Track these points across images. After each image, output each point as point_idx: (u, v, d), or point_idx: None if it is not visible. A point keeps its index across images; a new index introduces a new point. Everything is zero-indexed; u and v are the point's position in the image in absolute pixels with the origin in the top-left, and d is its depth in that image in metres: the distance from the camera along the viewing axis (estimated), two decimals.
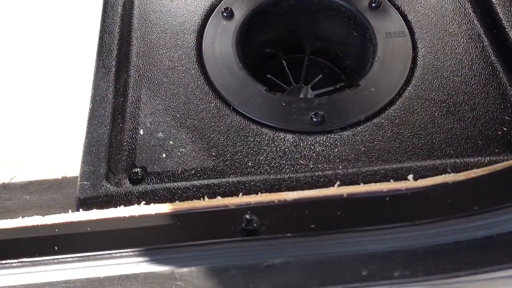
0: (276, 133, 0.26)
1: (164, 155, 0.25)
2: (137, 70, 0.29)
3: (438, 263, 0.17)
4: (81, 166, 0.24)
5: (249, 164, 0.25)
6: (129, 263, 0.17)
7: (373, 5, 0.31)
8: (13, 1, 0.37)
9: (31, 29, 0.36)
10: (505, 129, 0.25)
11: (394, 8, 0.32)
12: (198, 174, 0.24)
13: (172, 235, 0.18)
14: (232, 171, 0.24)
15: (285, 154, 0.25)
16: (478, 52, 0.29)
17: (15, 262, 0.17)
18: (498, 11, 0.29)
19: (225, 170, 0.24)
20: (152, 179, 0.24)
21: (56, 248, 0.18)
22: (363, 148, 0.25)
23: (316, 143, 0.25)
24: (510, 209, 0.16)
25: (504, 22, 0.28)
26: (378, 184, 0.20)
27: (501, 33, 0.28)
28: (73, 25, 0.36)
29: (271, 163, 0.25)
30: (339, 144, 0.25)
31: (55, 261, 0.18)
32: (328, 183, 0.21)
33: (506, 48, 0.28)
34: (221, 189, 0.22)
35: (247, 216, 0.19)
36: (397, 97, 0.27)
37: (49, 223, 0.19)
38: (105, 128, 0.25)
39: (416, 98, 0.27)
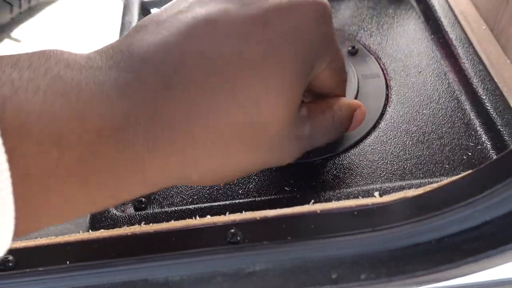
0: None
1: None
2: None
3: (398, 265, 0.20)
4: None
5: (240, 191, 0.28)
6: (129, 270, 0.20)
7: (351, 51, 0.36)
8: None
9: None
10: (470, 153, 0.28)
11: (369, 53, 0.36)
12: (194, 201, 0.27)
13: (167, 247, 0.21)
14: (223, 197, 0.27)
15: (271, 182, 0.28)
16: (444, 88, 0.32)
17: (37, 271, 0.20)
18: (459, 51, 0.32)
19: (218, 197, 0.27)
20: (154, 206, 0.27)
21: (68, 262, 0.21)
22: (341, 175, 0.28)
23: (299, 172, 0.28)
24: (456, 210, 0.19)
25: (465, 62, 0.32)
26: (348, 201, 0.23)
27: (462, 70, 0.32)
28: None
29: (259, 190, 0.28)
30: (320, 172, 0.28)
31: (66, 270, 0.21)
32: (305, 203, 0.24)
33: (468, 83, 0.31)
34: (212, 211, 0.25)
35: (232, 231, 0.22)
36: (372, 129, 0.30)
37: (62, 241, 0.22)
38: None
39: (389, 130, 0.30)
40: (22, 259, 0.22)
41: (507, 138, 0.27)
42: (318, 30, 0.21)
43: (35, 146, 0.15)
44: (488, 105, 0.29)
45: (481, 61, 0.31)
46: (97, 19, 0.43)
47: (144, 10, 0.41)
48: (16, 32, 0.44)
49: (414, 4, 0.39)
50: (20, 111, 0.15)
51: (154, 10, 0.41)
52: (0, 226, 0.14)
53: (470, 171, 0.21)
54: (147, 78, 0.18)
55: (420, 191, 0.22)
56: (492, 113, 0.28)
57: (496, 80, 0.30)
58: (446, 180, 0.22)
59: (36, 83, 0.15)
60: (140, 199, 0.27)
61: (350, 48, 0.36)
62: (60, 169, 0.15)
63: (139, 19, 0.39)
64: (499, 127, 0.28)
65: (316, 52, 0.21)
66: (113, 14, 0.42)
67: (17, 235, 0.15)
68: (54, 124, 0.15)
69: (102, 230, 0.23)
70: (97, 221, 0.26)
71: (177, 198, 0.27)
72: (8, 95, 0.15)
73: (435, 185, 0.22)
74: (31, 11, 0.45)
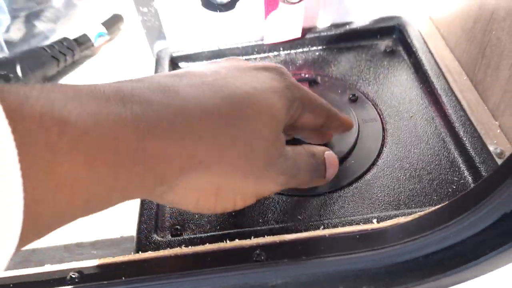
0: (282, 197, 0.34)
1: (197, 216, 0.34)
2: None
3: (393, 278, 0.25)
4: (138, 225, 0.32)
5: (261, 220, 0.33)
6: (175, 283, 0.25)
7: (351, 99, 0.42)
8: None
9: None
10: (454, 187, 0.33)
11: (368, 100, 0.42)
12: (223, 228, 0.32)
13: (204, 265, 0.26)
14: (248, 225, 0.32)
15: (287, 212, 0.33)
16: (432, 130, 0.38)
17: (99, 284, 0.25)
18: (443, 99, 0.38)
19: (242, 224, 0.32)
20: (188, 232, 0.32)
21: (123, 277, 0.26)
22: (345, 205, 0.33)
23: (310, 203, 0.33)
24: (437, 233, 0.24)
25: (448, 108, 0.37)
26: (351, 226, 0.28)
27: (447, 116, 0.37)
28: None
29: (277, 219, 0.33)
30: (328, 203, 0.33)
31: (123, 283, 0.26)
32: (315, 229, 0.29)
33: (451, 127, 0.36)
34: (239, 236, 0.30)
35: (257, 252, 0.27)
36: (371, 167, 0.36)
37: (117, 261, 0.28)
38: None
39: (386, 167, 0.35)
40: (86, 275, 0.27)
41: (484, 174, 0.32)
42: (280, 89, 0.27)
43: (35, 123, 0.16)
44: (468, 146, 0.34)
45: (462, 108, 0.37)
46: (131, 71, 0.50)
47: (174, 64, 0.47)
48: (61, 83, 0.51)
49: (405, 57, 0.45)
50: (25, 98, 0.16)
51: (182, 64, 0.47)
52: (10, 200, 0.14)
53: (447, 202, 0.26)
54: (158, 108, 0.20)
55: (410, 218, 0.27)
56: (471, 152, 0.34)
57: (475, 124, 0.36)
58: (430, 209, 0.27)
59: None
60: (176, 227, 0.32)
61: (351, 96, 0.41)
62: (63, 143, 0.16)
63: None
64: (477, 164, 0.33)
65: (284, 103, 0.26)
66: (146, 66, 0.48)
67: (27, 217, 0.15)
68: (53, 105, 0.16)
69: (149, 251, 0.28)
70: (142, 246, 0.31)
71: (208, 225, 0.32)
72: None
73: (421, 213, 0.27)
74: (74, 64, 0.52)
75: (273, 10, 0.42)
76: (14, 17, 0.50)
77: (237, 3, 0.36)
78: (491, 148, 0.34)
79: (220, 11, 0.36)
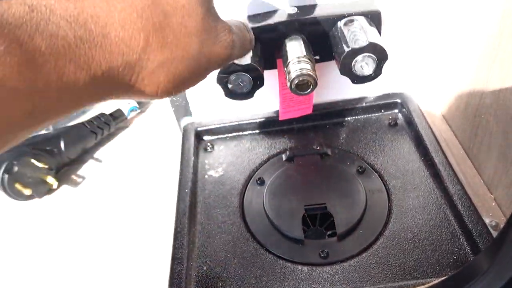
0: (296, 266, 0.38)
1: (220, 284, 0.37)
2: (201, 224, 0.43)
3: None
4: None
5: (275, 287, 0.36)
6: None
7: (359, 170, 0.46)
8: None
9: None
10: (455, 257, 0.36)
11: (374, 172, 0.46)
12: None
13: None
14: None
15: (302, 281, 0.37)
16: (433, 201, 0.41)
17: None
18: (442, 173, 0.42)
19: None
20: None
21: None
22: (356, 274, 0.36)
23: (323, 272, 0.37)
24: None
25: (446, 182, 0.41)
26: None
27: (446, 189, 0.41)
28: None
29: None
30: (339, 272, 0.37)
31: None
32: None
33: (450, 199, 0.40)
34: None
35: None
36: (378, 237, 0.39)
37: None
38: (182, 266, 0.38)
39: (392, 237, 0.39)
40: None
41: (481, 246, 0.36)
42: None
43: None
44: (466, 218, 0.38)
45: (459, 182, 0.41)
46: (160, 142, 0.55)
47: (199, 137, 0.53)
48: (98, 154, 0.57)
49: (408, 131, 0.50)
50: None
51: (206, 137, 0.53)
52: None
53: (448, 275, 0.29)
54: None
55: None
56: (469, 225, 0.37)
57: (471, 197, 0.39)
58: (430, 283, 0.30)
59: None
60: None
61: (358, 168, 0.46)
62: None
63: (194, 145, 0.51)
64: (474, 237, 0.36)
65: None
66: (173, 138, 0.54)
67: None
68: None
69: None
70: None
71: None
72: None
73: (423, 287, 0.30)
74: (109, 136, 0.58)
75: (287, 93, 0.47)
76: None
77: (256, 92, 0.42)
78: (487, 220, 0.37)
79: (240, 100, 0.42)
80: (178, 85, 0.23)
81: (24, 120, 0.17)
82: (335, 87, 0.52)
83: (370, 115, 0.53)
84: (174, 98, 0.52)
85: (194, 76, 0.24)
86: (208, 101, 0.52)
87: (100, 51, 0.18)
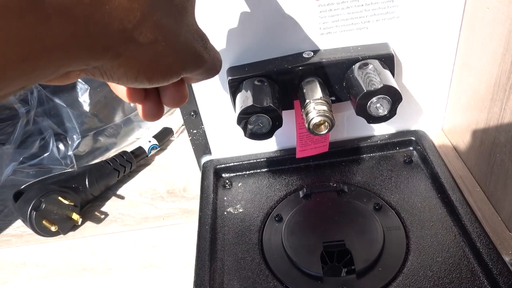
0: None
1: None
2: (221, 261, 0.44)
3: None
4: None
5: None
6: None
7: (376, 208, 0.47)
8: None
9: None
10: None
11: (391, 209, 0.46)
12: None
13: None
14: None
15: None
16: (451, 239, 0.42)
17: None
18: (459, 211, 0.43)
19: None
20: None
21: None
22: None
23: None
24: None
25: (464, 220, 0.42)
26: None
27: (464, 227, 0.41)
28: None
29: None
30: None
31: None
32: None
33: (469, 238, 0.40)
34: None
35: None
36: (397, 275, 0.39)
37: None
38: None
39: (411, 275, 0.39)
40: None
41: (501, 285, 0.36)
42: None
43: None
44: (486, 257, 0.38)
45: (477, 219, 0.41)
46: (180, 178, 0.57)
47: (217, 175, 0.54)
48: (120, 190, 0.58)
49: (423, 167, 0.51)
50: None
51: (225, 174, 0.54)
52: None
53: None
54: None
55: None
56: (488, 263, 0.37)
57: (490, 235, 0.40)
58: None
59: None
60: None
61: (375, 205, 0.46)
62: None
63: (213, 182, 0.52)
64: (495, 275, 0.36)
65: None
66: (193, 174, 0.56)
67: None
68: None
69: None
70: None
71: None
72: None
73: None
74: (131, 173, 0.60)
75: (304, 132, 0.49)
76: (83, 136, 0.60)
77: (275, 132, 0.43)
78: (506, 259, 0.38)
79: (260, 140, 0.43)
80: (159, 71, 0.23)
81: (17, 66, 0.16)
82: (350, 125, 0.54)
83: (385, 152, 0.54)
84: (194, 137, 0.54)
85: (174, 68, 0.24)
86: (227, 140, 0.54)
87: (102, 9, 0.18)
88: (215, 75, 0.29)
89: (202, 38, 0.26)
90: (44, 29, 0.16)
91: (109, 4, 0.19)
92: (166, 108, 0.31)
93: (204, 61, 0.26)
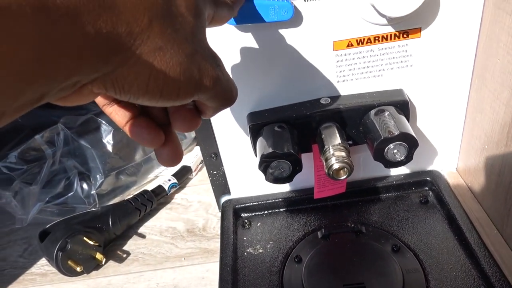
0: None
1: None
2: None
3: None
4: None
5: None
6: None
7: (394, 249, 0.47)
8: None
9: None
10: None
11: (409, 250, 0.47)
12: None
13: None
14: None
15: None
16: (471, 282, 0.42)
17: None
18: (477, 254, 0.43)
19: None
20: None
21: None
22: None
23: None
24: None
25: (483, 263, 0.42)
26: None
27: (483, 270, 0.42)
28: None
29: None
30: None
31: None
32: None
33: (489, 282, 0.41)
34: None
35: None
36: None
37: None
38: None
39: None
40: None
41: None
42: None
43: None
44: None
45: (496, 263, 0.42)
46: (200, 218, 0.58)
47: (236, 214, 0.55)
48: (141, 229, 0.60)
49: (439, 208, 0.52)
50: None
51: (244, 214, 0.56)
52: None
53: None
54: None
55: None
56: None
57: (509, 279, 0.40)
58: None
59: None
60: None
61: (393, 247, 0.47)
62: None
63: (233, 222, 0.54)
64: None
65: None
66: (212, 214, 0.57)
67: None
68: None
69: None
70: None
71: None
72: None
73: None
74: (152, 211, 0.62)
75: (322, 174, 0.51)
76: (106, 175, 0.62)
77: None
78: None
79: (280, 183, 0.45)
80: (169, 82, 0.22)
81: (30, 68, 0.16)
82: (366, 166, 0.55)
83: (401, 193, 0.55)
84: (214, 178, 0.56)
85: (182, 83, 0.23)
86: (246, 180, 0.56)
87: (109, 12, 0.18)
88: (231, 103, 0.27)
89: (214, 57, 0.25)
90: (53, 30, 0.17)
91: (117, 7, 0.19)
92: (184, 146, 0.32)
93: (218, 79, 0.25)
